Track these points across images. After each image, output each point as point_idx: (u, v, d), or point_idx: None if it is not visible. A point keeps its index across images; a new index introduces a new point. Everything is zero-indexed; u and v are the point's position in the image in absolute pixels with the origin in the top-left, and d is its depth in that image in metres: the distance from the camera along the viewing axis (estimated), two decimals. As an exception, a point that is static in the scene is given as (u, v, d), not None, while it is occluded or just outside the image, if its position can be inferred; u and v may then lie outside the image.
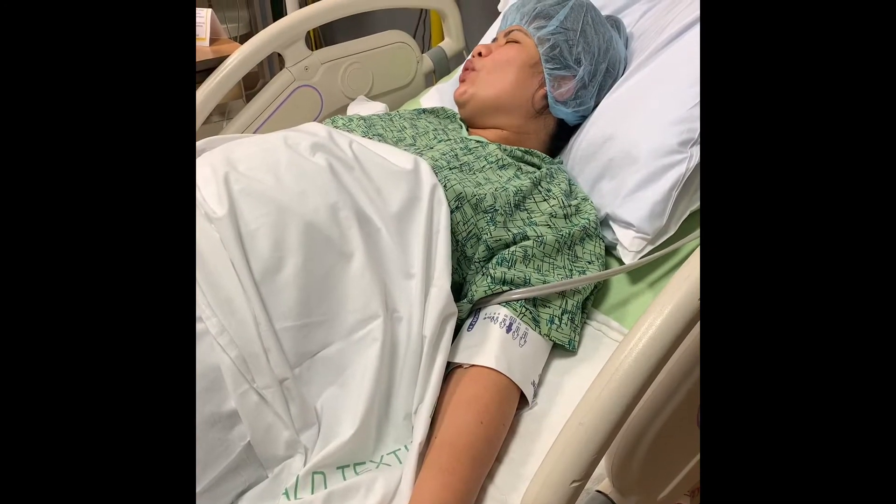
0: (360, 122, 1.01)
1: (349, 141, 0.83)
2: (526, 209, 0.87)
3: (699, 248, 0.48)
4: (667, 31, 1.05)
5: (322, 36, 2.50)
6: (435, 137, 0.99)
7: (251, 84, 1.58)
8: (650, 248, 0.90)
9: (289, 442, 0.66)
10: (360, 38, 1.42)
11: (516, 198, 0.86)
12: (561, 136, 1.07)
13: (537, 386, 0.79)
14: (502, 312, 0.79)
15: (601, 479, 0.63)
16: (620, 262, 0.92)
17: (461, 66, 1.39)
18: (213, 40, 1.42)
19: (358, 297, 0.70)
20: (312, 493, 0.63)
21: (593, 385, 0.52)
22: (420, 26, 2.13)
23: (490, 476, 0.70)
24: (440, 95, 1.32)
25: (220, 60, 1.26)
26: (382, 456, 0.69)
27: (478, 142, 0.97)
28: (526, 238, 0.84)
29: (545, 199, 0.89)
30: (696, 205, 0.92)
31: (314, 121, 1.07)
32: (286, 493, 0.64)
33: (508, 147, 0.98)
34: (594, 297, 0.90)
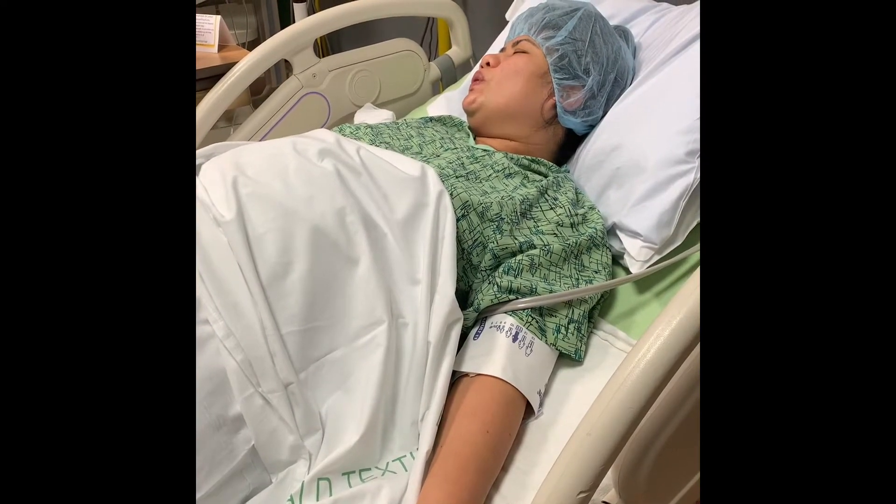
0: (367, 131, 1.01)
1: (357, 147, 0.83)
2: (532, 218, 0.87)
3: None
4: (675, 41, 1.05)
5: (330, 43, 2.51)
6: (441, 146, 0.99)
7: (257, 90, 1.58)
8: (657, 257, 0.90)
9: (293, 447, 0.66)
10: (368, 45, 1.43)
11: (523, 206, 0.86)
12: (569, 145, 1.07)
13: (543, 395, 0.79)
14: (508, 321, 0.78)
15: (607, 490, 0.62)
16: (627, 271, 0.92)
17: (468, 75, 1.39)
18: (221, 47, 1.43)
19: (363, 302, 0.70)
20: (318, 499, 0.63)
21: (601, 395, 0.52)
22: (427, 34, 2.14)
23: (496, 485, 0.70)
24: (447, 103, 1.32)
25: (228, 67, 1.26)
26: (388, 463, 0.68)
27: (484, 150, 0.98)
28: (532, 247, 0.84)
29: (552, 208, 0.89)
30: (704, 215, 0.92)
31: (321, 128, 1.08)
32: (291, 500, 0.63)
33: (515, 156, 0.98)
34: (601, 307, 0.90)
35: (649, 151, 0.92)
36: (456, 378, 0.75)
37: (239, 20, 2.21)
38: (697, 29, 1.01)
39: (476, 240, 0.82)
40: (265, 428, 0.65)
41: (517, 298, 0.80)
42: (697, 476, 0.67)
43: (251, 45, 1.39)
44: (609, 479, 0.60)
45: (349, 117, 1.41)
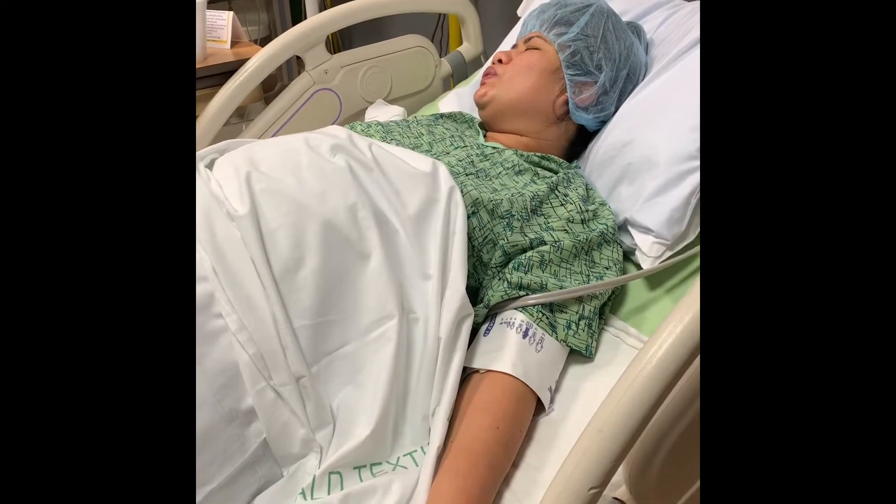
0: (378, 128, 1.02)
1: (369, 143, 0.84)
2: (543, 214, 0.87)
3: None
4: (687, 37, 1.05)
5: (341, 40, 2.51)
6: (451, 144, 0.99)
7: (269, 86, 1.59)
8: (669, 253, 0.90)
9: (304, 440, 0.66)
10: (380, 42, 1.43)
11: (533, 203, 0.86)
12: (580, 141, 1.07)
13: (554, 392, 0.79)
14: (519, 318, 0.79)
15: (618, 486, 0.62)
16: (639, 267, 0.92)
17: (479, 71, 1.39)
18: (233, 43, 1.43)
19: (374, 297, 0.71)
20: (329, 493, 0.64)
21: (613, 391, 0.52)
22: (438, 31, 2.14)
23: (506, 481, 0.70)
24: (458, 100, 1.32)
25: (240, 63, 1.27)
26: (399, 457, 0.69)
27: (494, 148, 0.98)
28: (543, 243, 0.84)
29: (562, 204, 0.89)
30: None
31: (333, 124, 1.08)
32: (303, 493, 0.64)
33: (525, 153, 0.98)
34: (612, 303, 0.89)
35: (661, 147, 0.91)
36: (467, 374, 0.76)
37: (251, 17, 2.21)
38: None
39: (486, 237, 0.83)
40: (277, 421, 0.65)
41: (527, 295, 0.80)
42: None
43: (263, 42, 1.40)
44: (620, 475, 0.60)
45: (360, 113, 1.42)
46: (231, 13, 1.44)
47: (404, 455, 0.69)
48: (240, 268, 0.66)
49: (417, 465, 0.68)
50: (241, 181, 0.72)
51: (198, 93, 1.33)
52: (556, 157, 1.00)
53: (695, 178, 0.88)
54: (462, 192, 0.82)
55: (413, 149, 0.95)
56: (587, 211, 0.89)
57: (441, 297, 0.73)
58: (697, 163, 0.88)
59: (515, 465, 0.72)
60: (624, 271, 0.91)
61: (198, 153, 0.82)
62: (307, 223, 0.70)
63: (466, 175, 0.89)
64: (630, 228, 0.94)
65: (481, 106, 1.04)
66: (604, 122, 1.05)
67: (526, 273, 0.81)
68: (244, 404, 0.64)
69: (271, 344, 0.65)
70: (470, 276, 0.80)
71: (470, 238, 0.81)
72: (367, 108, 1.41)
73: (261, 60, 1.24)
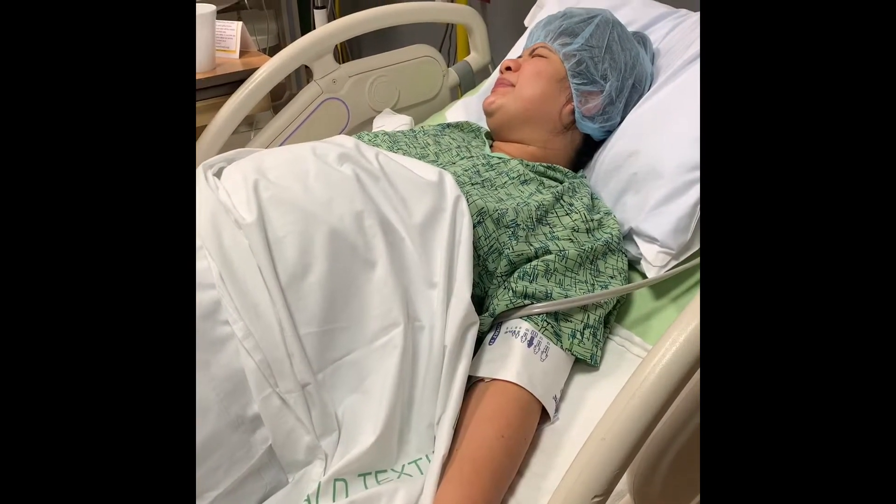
0: (384, 138, 1.02)
1: (376, 153, 0.84)
2: (548, 223, 0.88)
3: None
4: (693, 47, 1.05)
5: (350, 49, 2.53)
6: (458, 154, 1.00)
7: (278, 95, 1.60)
8: (674, 262, 0.90)
9: (309, 447, 0.67)
10: (388, 51, 1.44)
11: (538, 212, 0.87)
12: (586, 150, 1.07)
13: (559, 400, 0.79)
14: (524, 326, 0.79)
15: (622, 495, 0.62)
16: (644, 276, 0.92)
17: (487, 80, 1.40)
18: (242, 52, 1.45)
19: (380, 304, 0.71)
20: (334, 500, 0.64)
21: (617, 400, 0.52)
22: (446, 41, 2.15)
23: (511, 490, 0.70)
24: (466, 109, 1.33)
25: (249, 72, 1.28)
26: (404, 465, 0.69)
27: (500, 158, 0.98)
28: (548, 252, 0.84)
29: (567, 214, 0.89)
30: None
31: (341, 133, 1.09)
32: (308, 500, 0.64)
33: (531, 163, 0.98)
34: (617, 312, 0.89)
35: (666, 157, 0.92)
36: (472, 383, 0.76)
37: (260, 26, 2.23)
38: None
39: (492, 246, 0.83)
40: (282, 428, 0.66)
41: (532, 303, 0.80)
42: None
43: (272, 51, 1.41)
44: (624, 484, 0.60)
45: (368, 122, 1.42)
46: (240, 23, 1.45)
47: (409, 463, 0.69)
48: (247, 275, 0.67)
49: (422, 473, 0.68)
50: (248, 189, 0.73)
51: (207, 102, 1.34)
52: (561, 167, 1.00)
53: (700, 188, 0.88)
54: (468, 201, 0.82)
55: (420, 159, 0.96)
56: (592, 220, 0.90)
57: (447, 305, 0.74)
58: (703, 172, 0.88)
59: (520, 473, 0.72)
60: (629, 280, 0.91)
61: (206, 161, 0.83)
62: (314, 231, 0.71)
63: (472, 184, 0.90)
64: (635, 238, 0.94)
65: (489, 114, 1.05)
66: (609, 132, 1.05)
67: (531, 282, 0.81)
68: (250, 411, 0.65)
69: (277, 351, 0.65)
70: (475, 285, 0.80)
71: (475, 247, 0.81)
72: (374, 118, 1.42)
73: (269, 70, 1.25)
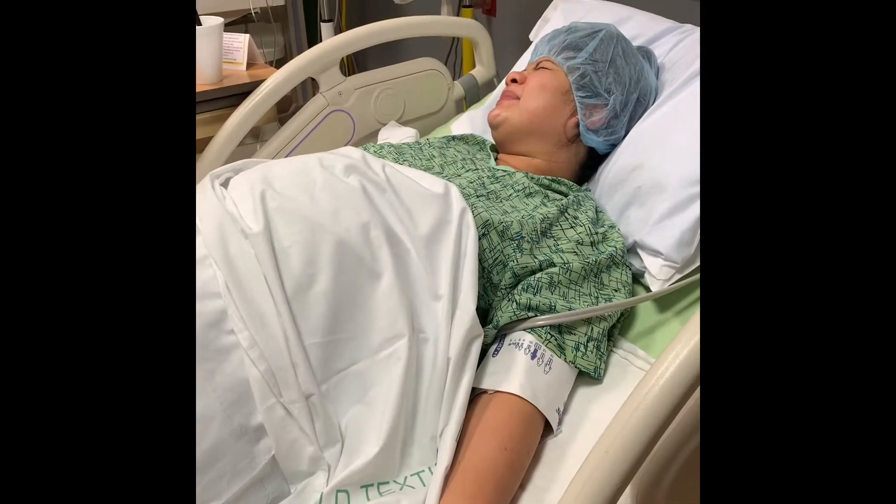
0: (390, 150, 1.03)
1: (382, 164, 0.85)
2: (553, 236, 0.88)
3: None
4: (697, 62, 1.06)
5: (356, 62, 2.55)
6: (463, 166, 1.01)
7: (284, 107, 1.61)
8: (678, 276, 0.90)
9: (312, 458, 0.67)
10: (394, 64, 1.45)
11: (543, 225, 0.87)
12: (590, 164, 1.08)
13: (562, 413, 0.79)
14: (527, 339, 0.79)
15: (626, 509, 0.62)
16: (648, 290, 0.92)
17: (492, 94, 1.41)
18: (249, 64, 1.46)
19: (385, 316, 0.71)
20: (336, 511, 0.64)
21: (620, 413, 0.52)
22: (452, 54, 2.16)
23: (513, 502, 0.70)
24: (471, 122, 1.34)
25: (255, 84, 1.29)
26: (406, 477, 0.69)
27: (504, 171, 0.99)
28: (552, 265, 0.84)
29: (572, 227, 0.89)
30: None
31: (347, 145, 1.09)
32: (309, 511, 0.64)
33: (536, 175, 0.99)
34: (621, 325, 0.89)
35: (671, 171, 0.92)
36: (475, 395, 0.76)
37: (267, 39, 2.25)
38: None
39: (496, 258, 0.83)
40: (286, 438, 0.66)
41: (536, 316, 0.80)
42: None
43: (279, 64, 1.42)
44: (627, 497, 0.60)
45: (374, 135, 1.43)
46: (247, 36, 1.46)
47: (412, 475, 0.69)
48: (253, 285, 0.67)
49: (425, 485, 0.68)
50: (255, 199, 0.73)
51: (213, 113, 1.35)
52: (566, 180, 1.01)
53: (704, 202, 0.88)
54: (473, 213, 0.82)
55: (425, 171, 0.96)
56: (597, 233, 0.90)
57: (451, 317, 0.74)
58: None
59: (522, 486, 0.71)
60: (633, 293, 0.91)
61: (214, 171, 0.84)
62: (320, 241, 0.71)
63: (477, 197, 0.90)
64: (639, 251, 0.94)
65: (494, 126, 1.05)
66: (614, 146, 1.06)
67: (535, 294, 0.81)
68: (254, 421, 0.65)
69: (282, 361, 0.66)
70: (480, 297, 0.80)
71: (480, 259, 0.81)
72: (380, 130, 1.43)
73: (276, 82, 1.26)
